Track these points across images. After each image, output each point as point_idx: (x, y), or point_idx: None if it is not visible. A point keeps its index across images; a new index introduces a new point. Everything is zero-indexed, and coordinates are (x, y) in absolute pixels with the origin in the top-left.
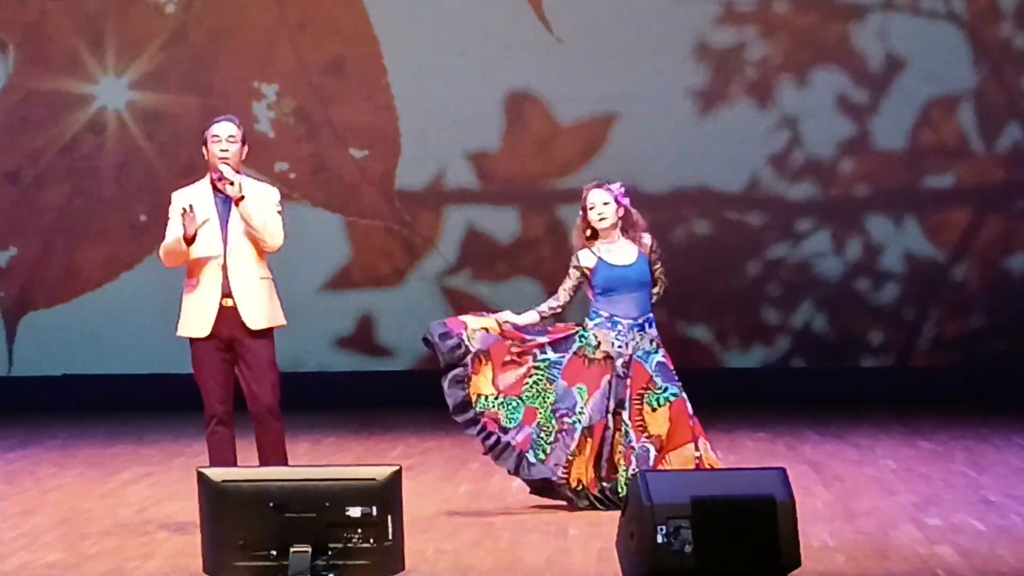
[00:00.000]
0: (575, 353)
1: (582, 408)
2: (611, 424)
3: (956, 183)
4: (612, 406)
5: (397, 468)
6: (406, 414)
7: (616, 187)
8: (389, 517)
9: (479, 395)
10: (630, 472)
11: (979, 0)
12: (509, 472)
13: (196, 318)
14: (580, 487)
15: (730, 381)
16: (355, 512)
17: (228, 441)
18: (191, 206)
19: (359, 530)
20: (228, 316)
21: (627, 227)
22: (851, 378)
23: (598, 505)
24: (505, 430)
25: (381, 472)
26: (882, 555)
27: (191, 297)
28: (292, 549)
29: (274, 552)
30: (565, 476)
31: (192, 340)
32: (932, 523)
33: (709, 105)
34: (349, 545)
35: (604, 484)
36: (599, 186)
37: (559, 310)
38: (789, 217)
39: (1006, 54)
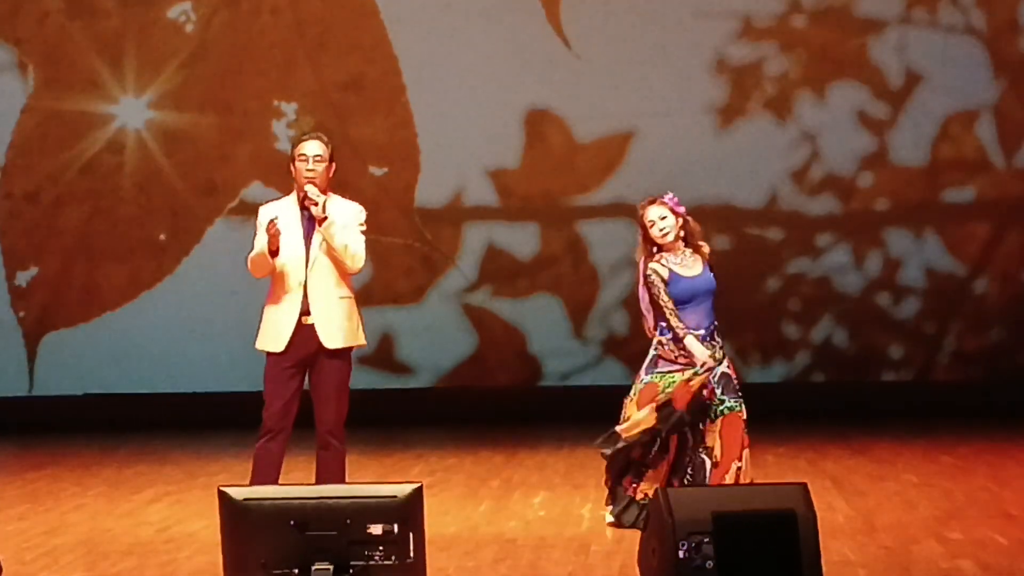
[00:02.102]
0: (654, 380)
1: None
2: (691, 440)
3: (976, 197)
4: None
5: (418, 485)
6: (427, 431)
7: (668, 198)
8: (411, 534)
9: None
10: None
11: (998, 14)
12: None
13: (273, 333)
14: (644, 501)
15: (750, 396)
16: (376, 529)
17: (275, 458)
18: (274, 219)
19: (380, 547)
20: (306, 333)
21: (688, 236)
22: (872, 393)
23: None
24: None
25: (402, 489)
26: (904, 569)
27: (271, 313)
28: (314, 567)
29: (296, 570)
30: (635, 488)
31: (268, 353)
32: (954, 537)
33: (728, 121)
34: (371, 563)
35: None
36: (653, 202)
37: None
38: (809, 232)
39: None
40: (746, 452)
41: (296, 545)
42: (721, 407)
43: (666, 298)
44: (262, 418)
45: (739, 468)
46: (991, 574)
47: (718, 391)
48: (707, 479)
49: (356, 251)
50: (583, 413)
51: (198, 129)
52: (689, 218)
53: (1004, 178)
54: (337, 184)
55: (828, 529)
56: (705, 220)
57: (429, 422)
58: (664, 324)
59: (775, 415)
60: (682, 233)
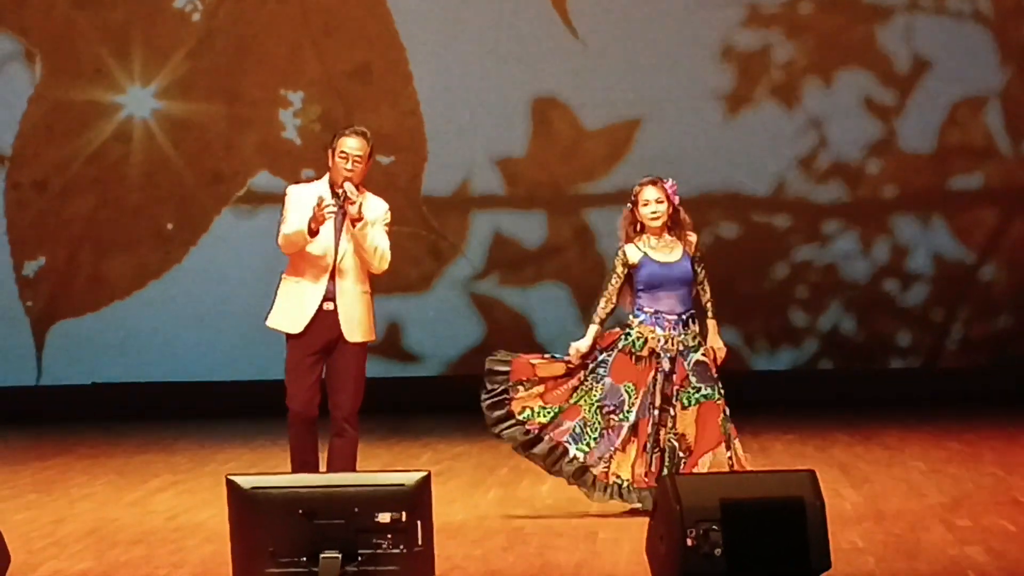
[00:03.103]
0: (621, 350)
1: (631, 406)
2: (658, 420)
3: (983, 184)
4: (658, 402)
5: (426, 473)
6: (434, 419)
7: (668, 184)
8: (419, 523)
9: (524, 408)
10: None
11: (1005, 0)
12: (542, 464)
13: (292, 315)
14: (617, 481)
15: (758, 384)
16: (384, 518)
17: (310, 443)
18: (324, 200)
19: (389, 536)
20: (327, 319)
21: (675, 225)
22: (879, 380)
23: (629, 503)
24: (543, 427)
25: (410, 478)
26: (912, 556)
27: (291, 294)
28: (322, 555)
29: (304, 559)
30: (605, 470)
31: (287, 337)
32: (962, 524)
33: (735, 108)
34: (379, 551)
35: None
36: (654, 183)
37: (612, 310)
38: (816, 219)
39: None
40: (736, 442)
41: (304, 533)
42: (697, 394)
43: (615, 279)
44: (287, 407)
45: (730, 459)
46: (1000, 561)
47: (693, 379)
48: (679, 466)
49: (384, 253)
50: None
51: (205, 118)
52: (680, 208)
53: (1011, 165)
54: None
55: (836, 516)
56: (712, 207)
57: (437, 410)
58: (638, 307)
59: (783, 403)
60: (669, 222)
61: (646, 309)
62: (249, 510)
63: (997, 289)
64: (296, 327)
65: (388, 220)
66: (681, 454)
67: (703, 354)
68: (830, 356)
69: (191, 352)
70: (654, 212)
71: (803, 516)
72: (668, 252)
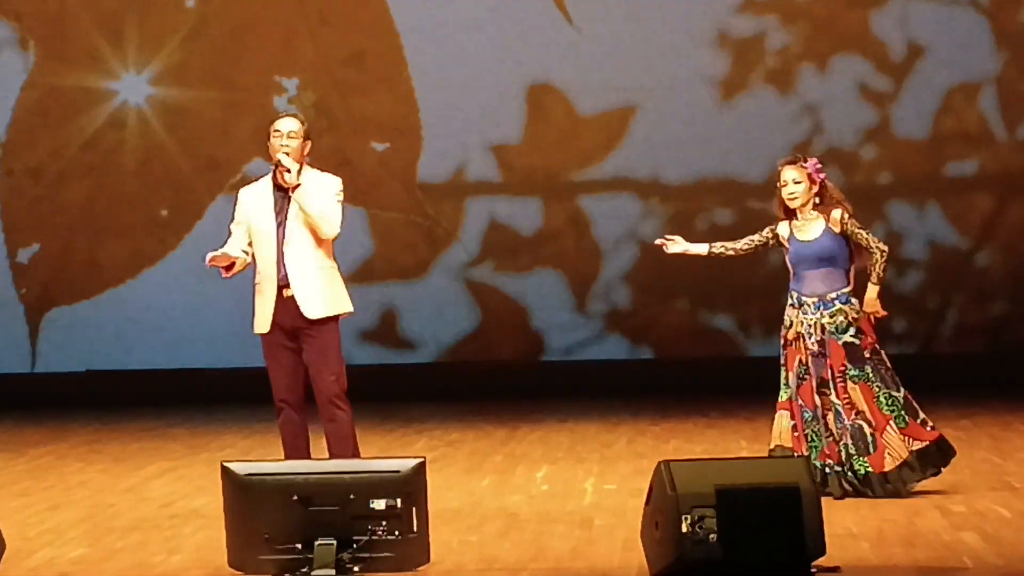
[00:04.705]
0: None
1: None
2: (820, 404)
3: (978, 170)
4: (816, 385)
5: (421, 460)
6: (430, 406)
7: (811, 164)
8: (414, 509)
9: None
10: (849, 450)
11: None
12: None
13: (260, 314)
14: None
15: (753, 370)
16: (380, 504)
17: (298, 428)
18: (223, 255)
19: (384, 522)
20: (288, 306)
21: (822, 203)
22: None
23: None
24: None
25: (405, 464)
26: (907, 542)
27: (256, 295)
28: (317, 542)
29: (299, 545)
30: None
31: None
32: (957, 510)
33: (730, 94)
34: (374, 537)
35: (838, 469)
36: (792, 163)
37: (729, 252)
38: None
39: None
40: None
41: (299, 520)
42: (851, 373)
43: (755, 238)
44: (273, 396)
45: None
46: (994, 546)
47: (847, 361)
48: (870, 446)
49: (331, 216)
50: (586, 387)
51: (199, 105)
52: (828, 184)
53: (1006, 150)
54: (339, 159)
55: (831, 502)
56: (707, 194)
57: (432, 397)
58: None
59: (779, 389)
60: (816, 200)
61: (792, 291)
62: (244, 497)
63: (992, 275)
64: (265, 326)
65: (338, 190)
66: (871, 433)
67: (853, 334)
68: None
69: (186, 339)
70: (791, 193)
71: (798, 502)
72: (808, 231)
